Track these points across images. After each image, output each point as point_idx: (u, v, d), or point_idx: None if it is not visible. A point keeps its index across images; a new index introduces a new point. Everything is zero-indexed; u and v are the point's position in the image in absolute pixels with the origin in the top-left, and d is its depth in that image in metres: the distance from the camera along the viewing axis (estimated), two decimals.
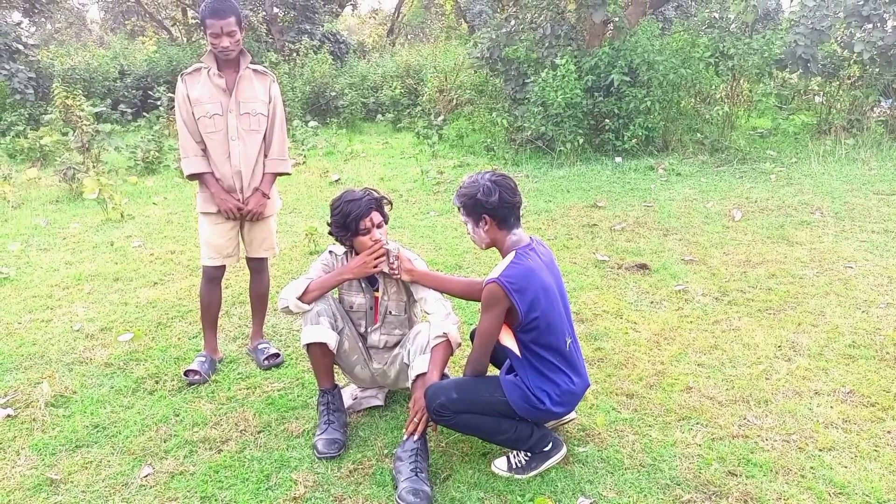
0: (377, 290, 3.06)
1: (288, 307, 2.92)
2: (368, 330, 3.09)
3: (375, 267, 2.91)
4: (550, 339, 2.62)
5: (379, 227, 2.93)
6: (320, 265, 3.05)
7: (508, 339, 2.66)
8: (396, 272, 2.94)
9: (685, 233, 5.84)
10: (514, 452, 2.73)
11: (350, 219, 2.88)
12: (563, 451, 2.76)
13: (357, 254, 2.97)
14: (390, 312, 3.06)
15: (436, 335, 2.75)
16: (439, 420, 2.66)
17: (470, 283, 2.94)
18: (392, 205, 3.10)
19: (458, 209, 2.73)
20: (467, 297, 2.96)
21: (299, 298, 2.90)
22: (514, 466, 2.70)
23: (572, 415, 2.95)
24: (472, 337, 3.01)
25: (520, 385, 2.65)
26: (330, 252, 3.09)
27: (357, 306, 3.08)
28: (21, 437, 3.00)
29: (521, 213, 2.74)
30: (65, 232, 6.38)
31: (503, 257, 2.67)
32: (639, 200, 7.03)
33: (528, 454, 2.71)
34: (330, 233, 3.00)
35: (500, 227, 2.68)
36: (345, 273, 2.94)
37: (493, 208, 2.62)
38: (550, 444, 2.73)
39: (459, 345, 2.83)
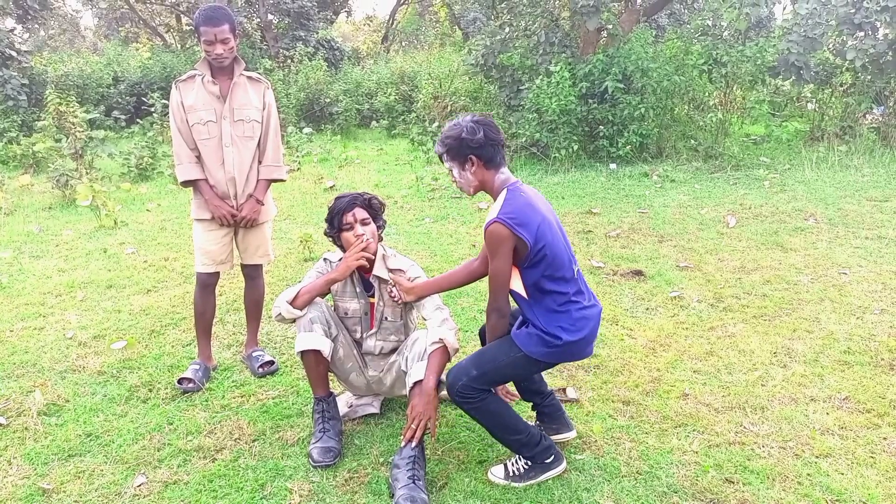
0: (372, 296, 3.05)
1: (280, 314, 2.92)
2: (364, 336, 3.08)
3: (358, 261, 2.89)
4: (557, 270, 2.55)
5: (364, 223, 2.93)
6: (315, 272, 3.04)
7: (516, 282, 2.59)
8: (398, 299, 2.92)
9: (680, 239, 5.85)
10: (513, 460, 2.71)
11: (334, 213, 2.93)
12: (563, 466, 2.73)
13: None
14: (386, 318, 3.05)
15: (432, 341, 2.74)
16: (464, 403, 2.61)
17: (467, 267, 2.92)
18: (384, 206, 3.09)
19: (442, 156, 2.65)
20: (472, 279, 2.92)
21: (290, 303, 2.90)
22: (511, 474, 2.68)
23: (572, 433, 2.91)
24: (481, 337, 2.96)
25: (532, 332, 2.59)
26: (325, 259, 3.08)
27: (352, 312, 3.06)
28: (13, 446, 2.97)
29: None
30: (57, 239, 6.34)
31: (494, 198, 2.61)
32: (633, 207, 7.05)
33: (529, 463, 2.68)
34: (325, 233, 3.04)
35: (488, 167, 2.61)
36: (332, 275, 2.93)
37: (478, 147, 2.56)
38: (553, 457, 2.70)
39: (457, 350, 2.81)
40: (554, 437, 2.87)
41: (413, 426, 2.64)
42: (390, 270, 2.99)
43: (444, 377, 2.72)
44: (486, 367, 2.61)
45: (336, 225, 2.94)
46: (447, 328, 2.78)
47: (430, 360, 2.71)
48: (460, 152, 2.59)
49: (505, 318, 2.64)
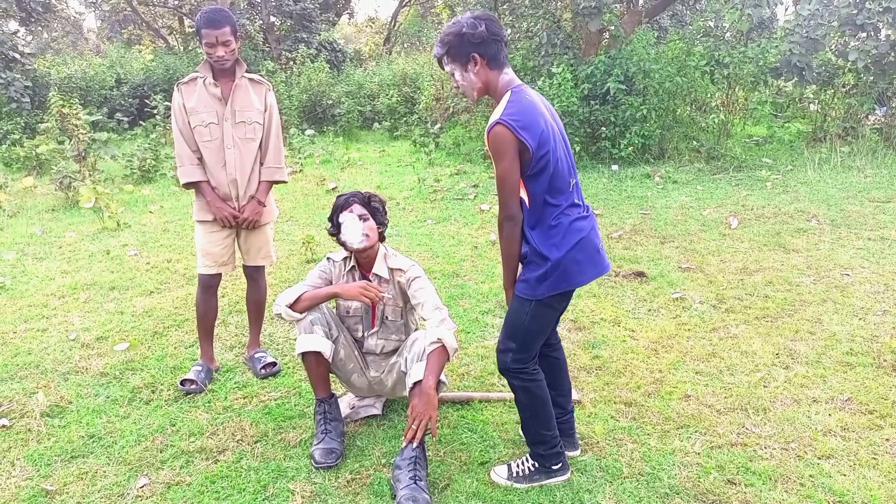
0: None
1: (280, 314, 2.94)
2: (365, 335, 3.08)
3: (363, 296, 2.86)
4: (556, 181, 2.44)
5: (363, 218, 2.94)
6: (318, 272, 3.05)
7: (521, 191, 2.47)
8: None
9: (682, 240, 5.85)
10: (519, 461, 2.71)
11: (334, 211, 2.97)
12: (567, 476, 2.70)
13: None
14: (387, 317, 3.05)
15: (431, 341, 2.73)
16: (517, 380, 2.58)
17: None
18: (384, 203, 3.09)
19: (442, 59, 2.49)
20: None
21: (291, 307, 2.90)
22: (514, 475, 2.67)
23: (576, 452, 2.86)
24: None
25: (528, 277, 2.49)
26: (328, 259, 3.09)
27: (353, 311, 3.07)
28: (16, 447, 2.97)
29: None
30: (61, 241, 6.36)
31: (497, 100, 2.46)
32: (636, 208, 7.05)
33: (535, 465, 2.67)
34: (328, 231, 3.06)
35: (491, 67, 2.46)
36: (338, 291, 2.92)
37: (480, 42, 2.40)
38: (560, 465, 2.68)
39: (456, 350, 2.80)
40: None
41: (413, 426, 2.63)
42: (389, 269, 3.00)
43: (443, 378, 2.73)
44: (518, 334, 2.55)
45: (336, 223, 2.97)
46: (446, 328, 2.77)
47: (429, 360, 2.70)
48: (462, 50, 2.44)
49: (518, 225, 2.47)
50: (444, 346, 2.73)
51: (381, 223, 3.03)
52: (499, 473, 2.70)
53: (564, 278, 2.50)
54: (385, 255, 3.03)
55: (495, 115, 2.39)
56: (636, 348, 3.83)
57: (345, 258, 3.07)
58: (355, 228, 2.90)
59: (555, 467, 2.67)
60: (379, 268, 3.00)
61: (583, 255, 2.51)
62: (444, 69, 2.55)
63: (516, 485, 2.65)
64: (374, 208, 3.02)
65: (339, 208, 2.97)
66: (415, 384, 2.70)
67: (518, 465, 2.70)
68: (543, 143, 2.39)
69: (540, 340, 2.61)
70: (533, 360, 2.61)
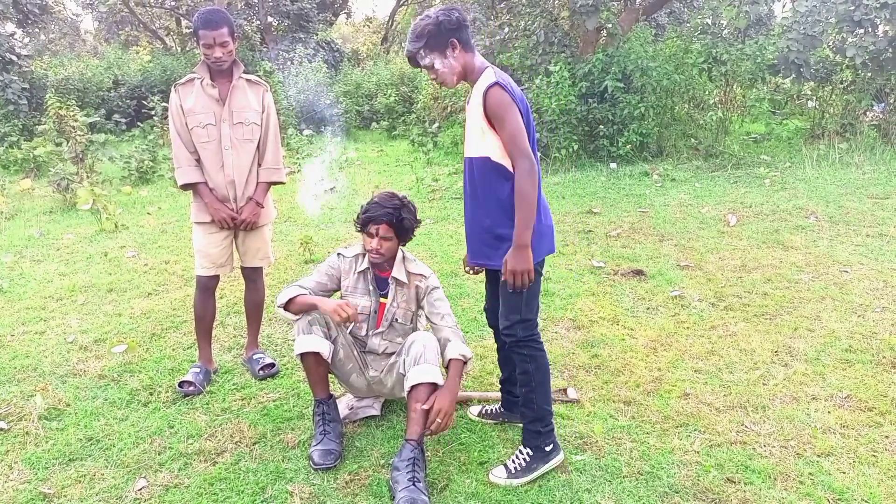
0: (385, 296, 3.05)
1: (277, 314, 2.95)
2: (369, 334, 3.07)
3: (336, 315, 2.80)
4: (534, 150, 2.57)
5: (385, 240, 2.91)
6: (326, 267, 3.05)
7: (506, 159, 2.53)
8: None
9: (680, 238, 5.84)
10: (514, 457, 2.72)
11: (365, 214, 2.93)
12: (561, 456, 2.75)
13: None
14: (396, 320, 3.05)
15: (454, 356, 2.79)
16: (527, 348, 2.67)
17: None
18: (415, 216, 3.01)
19: (418, 53, 2.56)
20: None
21: (285, 307, 2.92)
22: (512, 471, 2.69)
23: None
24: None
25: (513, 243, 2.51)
26: (338, 255, 3.07)
27: (361, 309, 3.05)
28: (14, 450, 2.97)
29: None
30: (58, 243, 6.35)
31: (476, 80, 2.58)
32: (634, 206, 7.04)
33: (530, 454, 2.70)
34: (354, 220, 3.04)
35: (466, 50, 2.58)
36: (319, 304, 2.86)
37: (457, 28, 2.53)
38: (552, 445, 2.73)
39: (470, 359, 2.86)
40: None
41: (439, 420, 2.67)
42: (408, 273, 3.01)
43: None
44: (520, 303, 2.61)
45: (361, 223, 2.95)
46: (466, 350, 2.83)
47: (452, 366, 2.79)
48: (440, 39, 2.53)
49: (535, 173, 2.48)
50: (465, 363, 2.82)
51: (405, 241, 3.01)
52: (497, 475, 2.70)
53: (550, 242, 2.70)
54: (404, 258, 3.03)
55: (486, 81, 2.50)
56: (635, 347, 3.83)
57: (357, 255, 3.06)
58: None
59: (548, 448, 2.72)
60: (397, 271, 3.00)
61: (551, 223, 2.73)
62: (419, 64, 2.61)
63: (516, 481, 2.65)
64: (403, 227, 2.95)
65: (370, 220, 2.90)
66: (412, 388, 2.72)
67: (514, 461, 2.71)
68: (526, 111, 2.56)
69: (538, 304, 2.71)
70: (537, 325, 2.72)
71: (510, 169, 2.53)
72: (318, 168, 7.74)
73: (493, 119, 2.51)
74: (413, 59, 2.61)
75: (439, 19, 2.52)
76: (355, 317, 2.85)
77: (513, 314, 2.64)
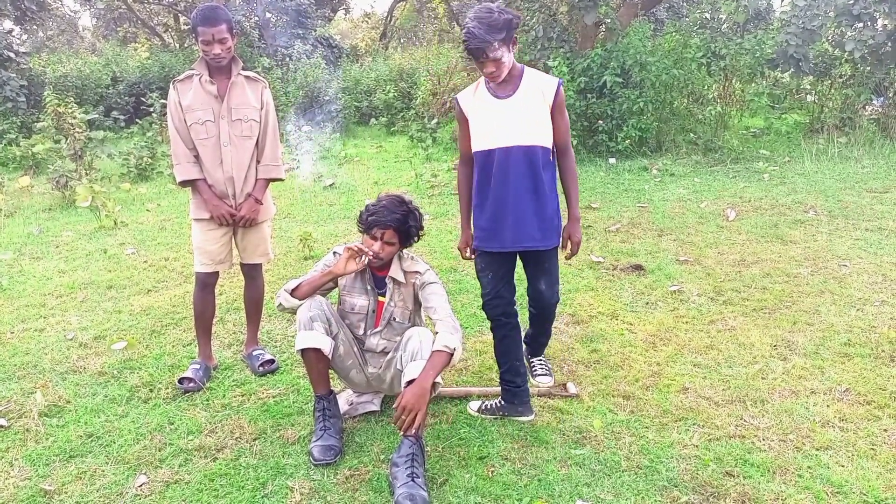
0: (383, 295, 3.05)
1: (281, 303, 2.97)
2: (368, 333, 3.08)
3: (349, 259, 2.90)
4: None
5: (388, 244, 2.91)
6: (322, 266, 3.05)
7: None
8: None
9: (679, 233, 5.85)
10: (543, 363, 3.36)
11: (371, 216, 2.91)
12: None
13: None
14: (394, 319, 3.04)
15: (439, 347, 2.72)
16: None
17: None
18: (419, 222, 3.02)
19: (492, 44, 2.65)
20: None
21: (291, 293, 2.94)
22: (483, 409, 3.09)
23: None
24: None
25: (560, 223, 2.99)
26: (334, 252, 3.08)
27: (358, 308, 3.06)
28: (14, 447, 2.97)
29: None
30: (58, 240, 6.35)
31: (508, 75, 2.80)
32: (633, 201, 7.04)
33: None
34: (357, 219, 3.05)
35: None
36: (333, 270, 2.94)
37: (518, 26, 2.74)
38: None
39: (460, 359, 2.86)
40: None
41: (403, 416, 2.61)
42: (405, 272, 3.00)
43: (438, 378, 2.72)
44: (558, 274, 3.09)
45: (366, 223, 2.93)
46: (457, 338, 2.76)
47: (431, 357, 2.70)
48: (511, 33, 2.71)
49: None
50: (451, 355, 2.73)
51: (407, 246, 3.00)
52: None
53: None
54: (401, 256, 3.02)
55: (549, 77, 2.87)
56: (634, 342, 3.83)
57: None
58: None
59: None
60: (394, 271, 2.99)
61: None
62: (484, 55, 2.68)
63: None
64: (409, 234, 2.95)
65: (373, 224, 2.89)
66: (410, 381, 2.70)
67: (544, 365, 3.36)
68: None
69: None
70: None
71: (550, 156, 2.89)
72: (313, 159, 7.73)
73: (558, 111, 2.84)
74: (480, 50, 2.67)
75: (511, 17, 2.67)
76: (363, 251, 2.88)
77: (557, 283, 3.07)
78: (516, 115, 2.80)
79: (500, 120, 2.82)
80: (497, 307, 3.04)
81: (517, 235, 2.88)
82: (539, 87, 2.81)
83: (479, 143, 2.89)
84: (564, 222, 2.99)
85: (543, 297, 3.05)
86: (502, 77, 2.77)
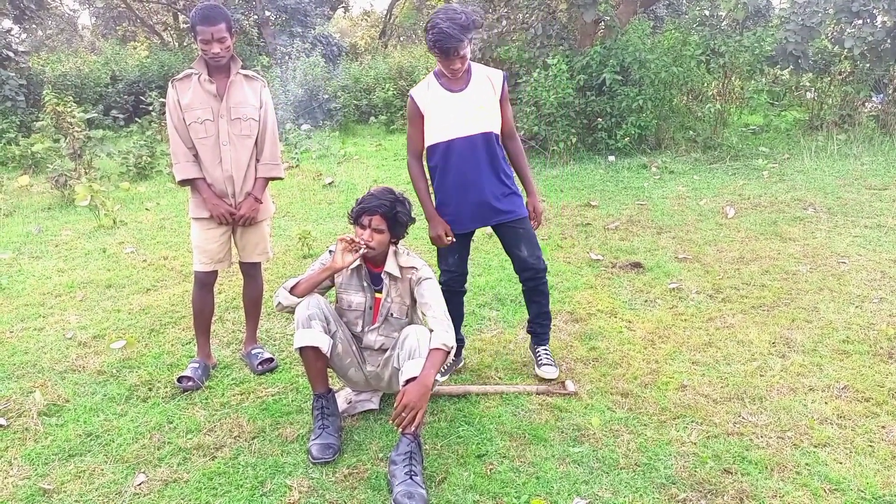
0: (380, 292, 3.05)
1: (280, 302, 2.97)
2: (365, 330, 3.08)
3: (345, 251, 2.91)
4: None
5: (377, 231, 2.91)
6: (318, 264, 3.05)
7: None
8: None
9: (678, 231, 5.85)
10: (546, 355, 3.45)
11: (359, 205, 2.94)
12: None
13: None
14: (392, 315, 3.05)
15: (436, 345, 2.73)
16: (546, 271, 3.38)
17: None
18: (413, 222, 3.03)
19: (459, 46, 2.93)
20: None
21: (290, 291, 2.95)
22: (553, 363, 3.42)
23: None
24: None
25: (514, 196, 3.30)
26: (330, 251, 3.08)
27: (355, 305, 3.06)
28: (13, 446, 2.98)
29: None
30: (57, 239, 6.35)
31: (464, 69, 3.07)
32: (632, 199, 7.04)
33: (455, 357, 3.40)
34: (349, 214, 3.05)
35: None
36: (330, 266, 2.96)
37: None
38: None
39: (451, 351, 2.83)
40: None
41: (404, 414, 2.61)
42: (401, 267, 3.00)
43: (437, 375, 2.73)
44: (537, 241, 3.34)
45: (354, 215, 2.96)
46: (451, 337, 2.78)
47: (430, 356, 2.70)
48: (475, 32, 2.97)
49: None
50: (447, 352, 2.74)
51: (397, 236, 2.99)
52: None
53: None
54: (396, 252, 3.02)
55: (494, 70, 3.18)
56: (633, 339, 3.84)
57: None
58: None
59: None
60: (390, 266, 2.99)
61: None
62: (458, 53, 2.96)
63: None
64: (397, 221, 2.94)
65: (364, 211, 2.91)
66: (409, 380, 2.70)
67: (549, 357, 3.48)
68: None
69: None
70: None
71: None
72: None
73: (505, 100, 3.16)
74: (453, 49, 2.92)
75: (477, 15, 2.96)
76: (358, 244, 2.90)
77: (538, 249, 3.30)
78: (473, 105, 3.10)
79: (456, 112, 3.09)
80: (459, 281, 3.44)
81: (489, 214, 3.23)
82: (489, 79, 3.14)
83: (436, 136, 3.15)
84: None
85: (528, 262, 3.29)
86: (461, 71, 3.04)
